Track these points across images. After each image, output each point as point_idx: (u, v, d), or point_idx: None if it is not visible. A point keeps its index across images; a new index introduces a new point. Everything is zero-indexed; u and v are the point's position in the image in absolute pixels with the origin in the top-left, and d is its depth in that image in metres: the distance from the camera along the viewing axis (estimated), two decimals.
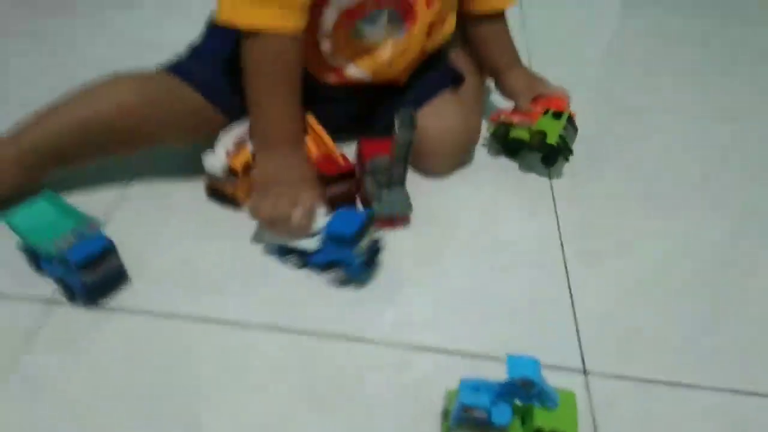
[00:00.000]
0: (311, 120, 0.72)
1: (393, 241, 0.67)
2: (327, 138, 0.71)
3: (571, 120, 0.80)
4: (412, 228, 0.70)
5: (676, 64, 1.15)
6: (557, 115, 0.79)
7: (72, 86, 0.67)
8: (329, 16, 0.68)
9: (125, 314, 0.58)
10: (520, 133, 0.80)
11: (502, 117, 0.82)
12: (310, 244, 0.60)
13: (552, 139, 0.77)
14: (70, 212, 0.59)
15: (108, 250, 0.57)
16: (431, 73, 0.79)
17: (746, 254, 0.72)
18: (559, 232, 0.72)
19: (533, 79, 0.85)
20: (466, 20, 0.81)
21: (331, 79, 0.74)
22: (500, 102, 0.90)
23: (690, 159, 0.89)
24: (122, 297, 0.59)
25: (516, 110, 0.83)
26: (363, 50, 0.72)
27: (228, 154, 0.68)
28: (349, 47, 0.71)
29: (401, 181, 0.67)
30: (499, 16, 0.82)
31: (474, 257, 0.68)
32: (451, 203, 0.75)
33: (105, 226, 0.58)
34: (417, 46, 0.73)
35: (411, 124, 0.61)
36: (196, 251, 0.65)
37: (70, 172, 0.69)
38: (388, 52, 0.72)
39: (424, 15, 0.71)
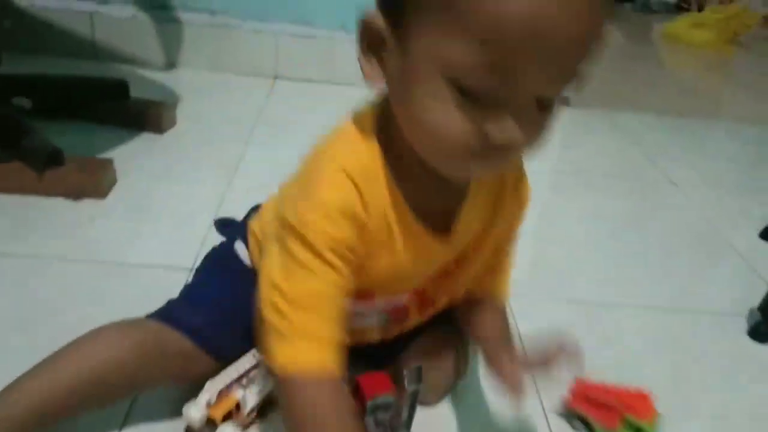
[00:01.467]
0: None
1: None
2: None
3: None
4: None
5: (621, 250, 1.24)
6: (639, 430, 0.72)
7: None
8: None
9: None
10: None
11: (578, 409, 0.77)
12: None
13: None
14: None
15: None
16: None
17: None
18: None
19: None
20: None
21: None
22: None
23: (660, 358, 0.94)
24: None
25: (587, 394, 0.77)
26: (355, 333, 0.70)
27: (209, 404, 0.68)
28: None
29: (407, 427, 0.68)
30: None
31: None
32: None
33: None
34: (410, 326, 0.76)
35: (419, 379, 0.63)
36: None
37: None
38: (376, 336, 0.74)
39: (415, 318, 0.74)
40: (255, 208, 0.80)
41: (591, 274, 1.13)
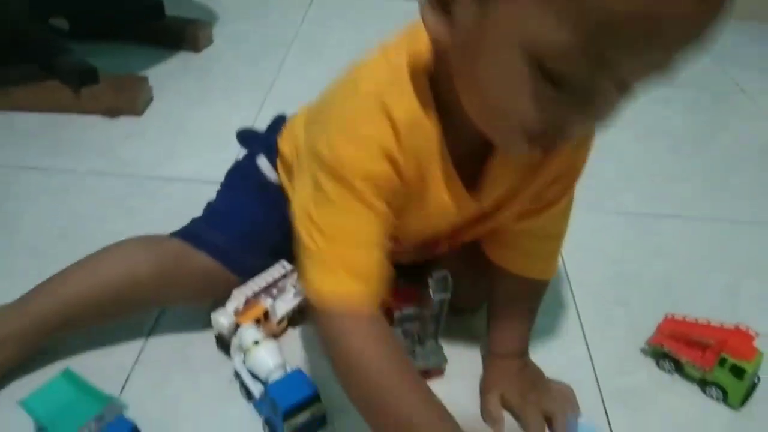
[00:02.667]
0: None
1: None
2: None
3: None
4: (446, 379, 0.68)
5: (680, 164, 1.15)
6: (738, 371, 0.65)
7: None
8: None
9: None
10: (691, 372, 0.69)
11: (666, 347, 0.70)
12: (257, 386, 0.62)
13: (734, 400, 0.66)
14: (90, 392, 0.58)
15: None
16: None
17: None
18: (594, 370, 0.71)
19: (533, 381, 0.67)
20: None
21: None
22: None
23: (712, 270, 0.88)
24: None
25: (677, 331, 0.70)
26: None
27: (237, 311, 0.68)
28: None
29: (435, 336, 0.66)
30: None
31: None
32: (478, 351, 0.72)
33: (127, 409, 0.58)
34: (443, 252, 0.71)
35: (445, 288, 0.61)
36: (218, 418, 0.63)
37: (81, 334, 0.68)
38: (406, 259, 0.69)
39: (446, 247, 0.69)
40: (280, 119, 0.76)
41: (643, 188, 1.06)
